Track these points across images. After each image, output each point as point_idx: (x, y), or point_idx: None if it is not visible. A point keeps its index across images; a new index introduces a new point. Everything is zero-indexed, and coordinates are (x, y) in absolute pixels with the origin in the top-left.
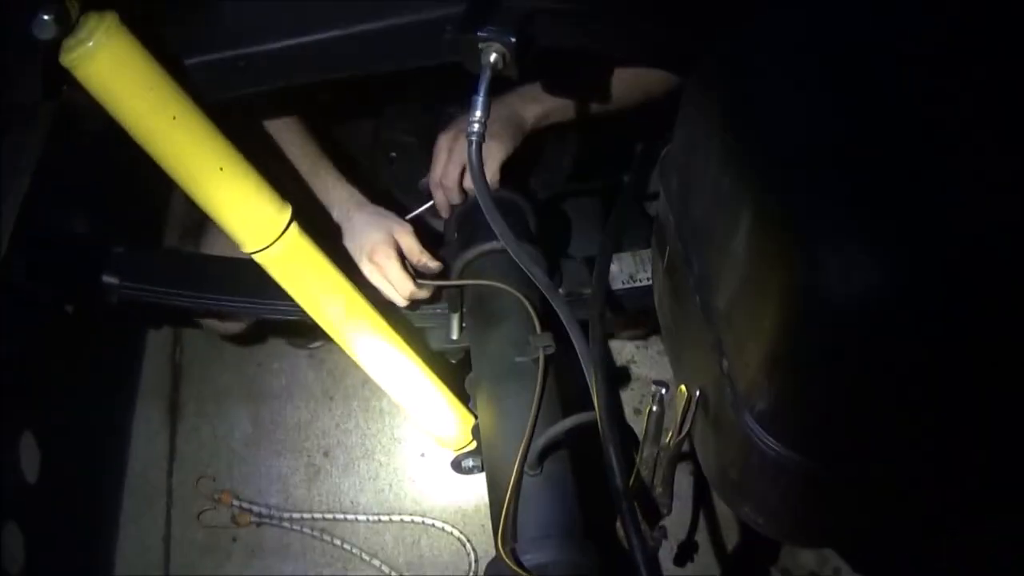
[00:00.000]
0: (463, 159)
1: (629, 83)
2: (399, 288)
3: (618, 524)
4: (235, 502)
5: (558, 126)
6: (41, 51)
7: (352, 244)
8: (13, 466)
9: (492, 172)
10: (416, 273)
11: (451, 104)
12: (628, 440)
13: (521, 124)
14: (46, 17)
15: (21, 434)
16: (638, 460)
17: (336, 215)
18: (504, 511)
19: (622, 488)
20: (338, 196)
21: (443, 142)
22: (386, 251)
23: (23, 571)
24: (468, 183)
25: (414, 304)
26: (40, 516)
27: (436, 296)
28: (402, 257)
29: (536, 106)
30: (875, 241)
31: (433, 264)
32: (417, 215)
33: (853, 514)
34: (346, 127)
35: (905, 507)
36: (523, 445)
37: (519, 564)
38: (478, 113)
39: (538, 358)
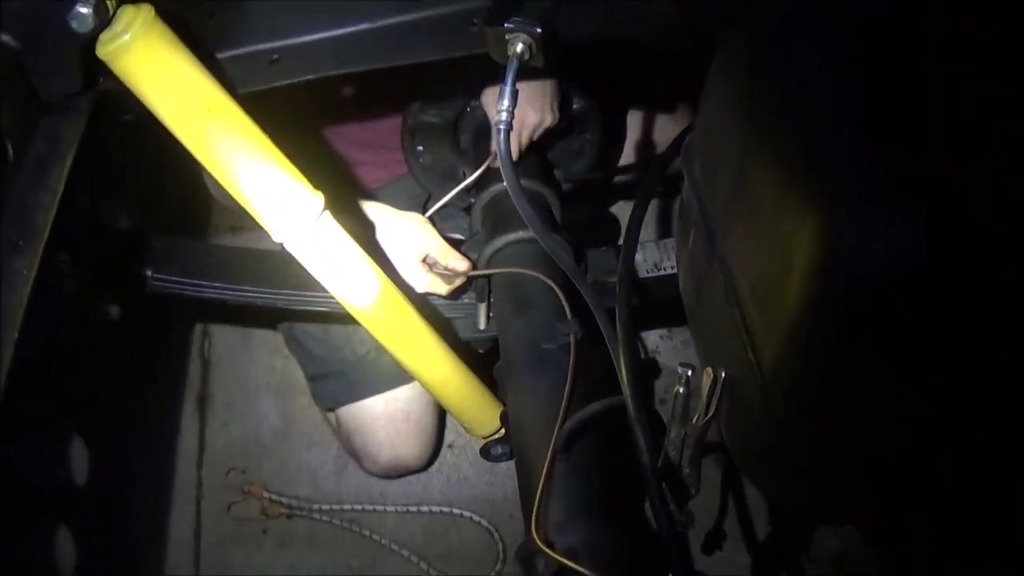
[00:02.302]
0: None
1: None
2: (436, 293)
3: (647, 505)
4: (265, 494)
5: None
6: (78, 44)
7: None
8: (52, 458)
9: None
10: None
11: (478, 96)
12: (655, 424)
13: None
14: (84, 10)
15: (56, 428)
16: (665, 442)
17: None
18: (538, 495)
19: (651, 468)
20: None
21: None
22: (409, 270)
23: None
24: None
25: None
26: (78, 509)
27: (464, 286)
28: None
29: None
30: (896, 208)
31: (461, 267)
32: (445, 204)
33: (880, 488)
34: (374, 117)
35: (934, 478)
36: (556, 429)
37: (550, 547)
38: (506, 102)
39: (565, 344)
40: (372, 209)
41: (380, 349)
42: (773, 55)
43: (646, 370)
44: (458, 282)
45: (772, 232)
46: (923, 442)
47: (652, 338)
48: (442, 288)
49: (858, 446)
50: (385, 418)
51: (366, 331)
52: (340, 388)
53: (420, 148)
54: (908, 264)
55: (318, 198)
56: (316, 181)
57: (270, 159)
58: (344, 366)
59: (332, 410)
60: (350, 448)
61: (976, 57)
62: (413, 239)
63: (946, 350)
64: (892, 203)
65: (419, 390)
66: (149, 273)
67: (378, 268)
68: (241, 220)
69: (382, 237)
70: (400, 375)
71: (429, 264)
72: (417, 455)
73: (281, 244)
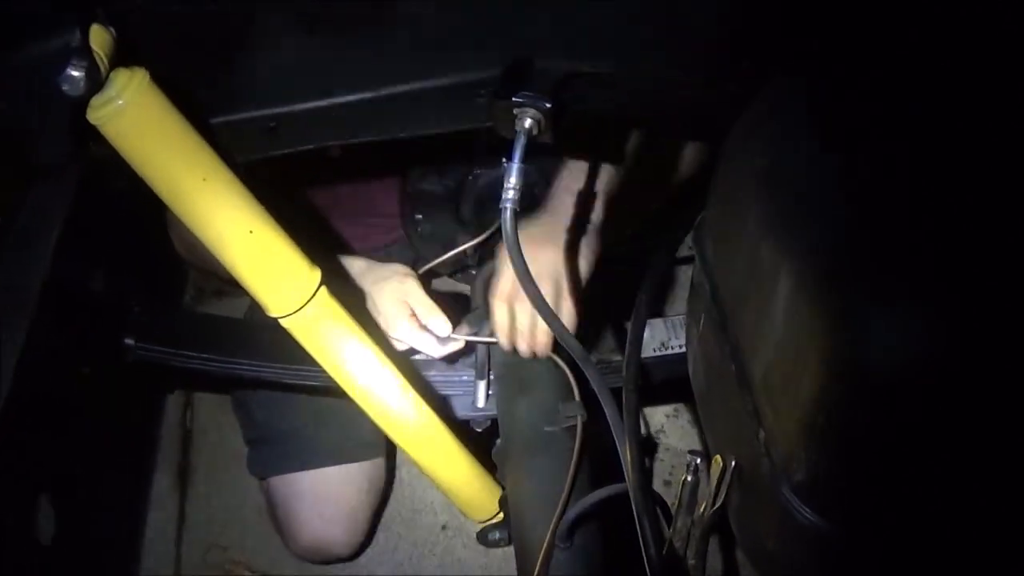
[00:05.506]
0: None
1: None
2: (428, 353)
3: None
4: (247, 573)
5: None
6: (69, 108)
7: (373, 316)
8: (27, 524)
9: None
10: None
11: (480, 165)
12: (660, 511)
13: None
14: (76, 73)
15: (36, 493)
16: (671, 531)
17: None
18: None
19: (656, 560)
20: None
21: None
22: (402, 326)
23: None
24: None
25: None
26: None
27: (460, 353)
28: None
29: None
30: (921, 307)
31: (441, 331)
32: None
33: None
34: (372, 184)
35: None
36: (555, 517)
37: None
38: (512, 179)
39: (569, 427)
40: (356, 263)
41: (319, 423)
42: (795, 139)
43: (649, 455)
44: (451, 347)
45: (787, 323)
46: (946, 542)
47: (658, 417)
48: (433, 350)
49: (874, 544)
50: (311, 497)
51: (306, 402)
52: (271, 458)
53: (419, 216)
54: (932, 368)
55: (315, 274)
56: (308, 248)
57: (267, 233)
58: (280, 436)
59: (264, 479)
60: (275, 523)
61: (1005, 153)
62: (392, 288)
63: (970, 453)
64: (916, 305)
65: (352, 473)
66: (132, 342)
67: (374, 345)
68: (227, 285)
69: (375, 300)
70: (335, 454)
71: (421, 323)
72: (341, 542)
73: (275, 319)
